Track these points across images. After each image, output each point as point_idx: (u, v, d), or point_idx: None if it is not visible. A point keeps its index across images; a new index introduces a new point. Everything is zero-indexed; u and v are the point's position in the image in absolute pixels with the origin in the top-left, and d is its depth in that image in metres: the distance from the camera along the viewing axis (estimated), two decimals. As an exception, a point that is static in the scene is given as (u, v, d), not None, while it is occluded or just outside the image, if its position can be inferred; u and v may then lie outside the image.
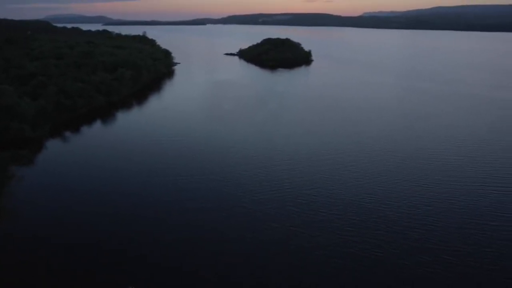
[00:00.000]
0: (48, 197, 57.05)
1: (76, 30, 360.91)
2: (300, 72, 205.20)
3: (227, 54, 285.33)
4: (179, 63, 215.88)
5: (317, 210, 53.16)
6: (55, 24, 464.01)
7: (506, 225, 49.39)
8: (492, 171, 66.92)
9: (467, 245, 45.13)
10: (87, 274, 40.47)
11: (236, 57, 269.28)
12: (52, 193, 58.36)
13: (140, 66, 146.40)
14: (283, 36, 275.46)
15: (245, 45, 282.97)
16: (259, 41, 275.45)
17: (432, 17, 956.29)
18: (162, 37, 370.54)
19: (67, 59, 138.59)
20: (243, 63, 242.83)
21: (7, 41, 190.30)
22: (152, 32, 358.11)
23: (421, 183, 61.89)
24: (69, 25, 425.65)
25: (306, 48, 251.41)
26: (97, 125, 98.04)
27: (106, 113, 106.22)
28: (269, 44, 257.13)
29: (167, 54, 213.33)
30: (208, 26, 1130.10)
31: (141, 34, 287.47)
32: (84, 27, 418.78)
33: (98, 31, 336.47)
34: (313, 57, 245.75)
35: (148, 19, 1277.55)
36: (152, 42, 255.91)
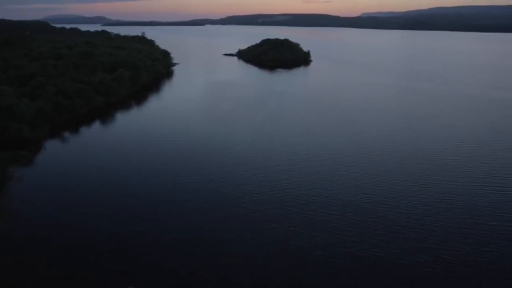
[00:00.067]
0: (47, 198, 56.99)
1: (75, 30, 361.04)
2: (299, 73, 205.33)
3: (226, 54, 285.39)
4: (178, 64, 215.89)
5: (317, 210, 53.21)
6: (54, 25, 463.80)
7: (505, 225, 49.49)
8: (491, 171, 67.04)
9: (466, 245, 45.22)
10: (86, 275, 40.45)
11: (235, 58, 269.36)
12: (51, 194, 58.31)
13: (139, 66, 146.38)
14: (282, 37, 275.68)
15: (244, 46, 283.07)
16: (258, 41, 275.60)
17: (431, 17, 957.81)
18: (161, 38, 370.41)
19: (66, 59, 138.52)
20: (242, 63, 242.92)
21: (6, 41, 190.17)
22: (151, 33, 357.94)
23: (420, 183, 61.99)
24: (68, 26, 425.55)
25: (305, 49, 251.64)
26: (96, 125, 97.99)
27: (105, 114, 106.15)
28: (268, 44, 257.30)
29: (166, 54, 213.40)
30: (207, 26, 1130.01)
31: (140, 34, 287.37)
32: (83, 27, 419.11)
33: (97, 32, 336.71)
34: (312, 57, 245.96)
35: (147, 19, 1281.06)
36: (151, 43, 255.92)
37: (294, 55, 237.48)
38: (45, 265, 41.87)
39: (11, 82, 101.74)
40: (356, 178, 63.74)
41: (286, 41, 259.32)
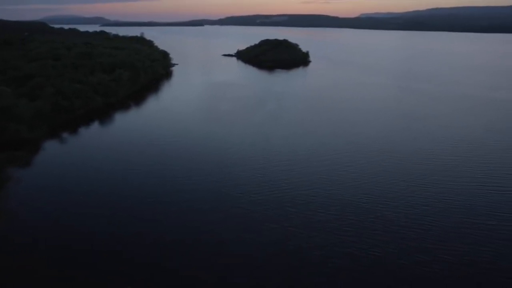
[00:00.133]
0: (45, 198, 56.89)
1: (74, 31, 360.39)
2: (298, 73, 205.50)
3: (224, 55, 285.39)
4: (177, 64, 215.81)
5: (315, 210, 53.25)
6: (52, 25, 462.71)
7: (503, 224, 49.61)
8: (489, 171, 67.21)
9: (464, 245, 45.31)
10: (84, 275, 40.38)
11: (234, 58, 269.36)
12: (49, 195, 58.21)
13: (137, 67, 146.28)
14: (280, 37, 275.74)
15: (242, 46, 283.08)
16: (256, 42, 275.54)
17: (429, 18, 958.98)
18: (160, 38, 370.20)
19: (64, 60, 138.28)
20: (240, 64, 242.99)
21: (4, 42, 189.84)
22: (150, 33, 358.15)
23: (418, 183, 62.10)
24: (66, 26, 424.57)
25: (304, 49, 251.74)
26: (95, 126, 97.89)
27: (103, 114, 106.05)
28: (267, 45, 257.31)
29: (165, 55, 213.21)
30: (206, 27, 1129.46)
31: (139, 35, 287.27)
32: (82, 28, 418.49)
33: (95, 32, 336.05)
34: (311, 58, 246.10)
35: (146, 20, 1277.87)
36: (150, 43, 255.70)
37: (293, 56, 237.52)
38: (43, 266, 41.79)
39: (9, 83, 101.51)
40: (355, 178, 63.82)
41: (285, 42, 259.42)
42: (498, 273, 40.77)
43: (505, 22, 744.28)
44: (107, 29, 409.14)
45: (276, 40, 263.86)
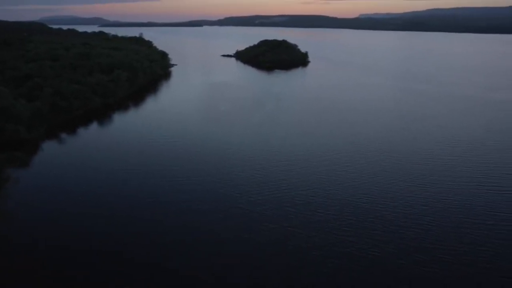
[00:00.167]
0: (44, 199, 56.77)
1: (72, 31, 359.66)
2: (296, 74, 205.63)
3: (223, 55, 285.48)
4: (175, 65, 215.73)
5: (314, 210, 53.23)
6: (51, 26, 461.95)
7: (501, 224, 49.67)
8: (487, 171, 67.30)
9: (463, 244, 45.35)
10: (83, 276, 40.29)
11: (233, 59, 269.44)
12: (47, 195, 58.09)
13: (136, 68, 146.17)
14: (279, 38, 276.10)
15: (241, 47, 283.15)
16: (255, 42, 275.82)
17: (428, 19, 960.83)
18: (159, 39, 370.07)
19: (63, 60, 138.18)
20: (239, 64, 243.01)
21: (3, 42, 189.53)
22: (148, 34, 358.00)
23: (417, 183, 62.14)
24: (65, 27, 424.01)
25: (303, 50, 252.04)
26: (93, 126, 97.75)
27: (102, 115, 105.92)
28: (266, 45, 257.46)
29: (163, 55, 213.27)
30: (205, 27, 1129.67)
31: (137, 35, 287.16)
32: (80, 28, 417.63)
33: (94, 33, 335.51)
34: (310, 58, 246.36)
35: (145, 20, 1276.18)
36: (148, 44, 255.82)
37: (291, 56, 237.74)
38: (42, 266, 41.69)
39: (7, 83, 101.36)
40: (354, 179, 63.82)
41: (284, 42, 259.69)
42: (497, 273, 40.80)
43: (503, 22, 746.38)
44: (106, 29, 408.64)
45: (275, 41, 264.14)
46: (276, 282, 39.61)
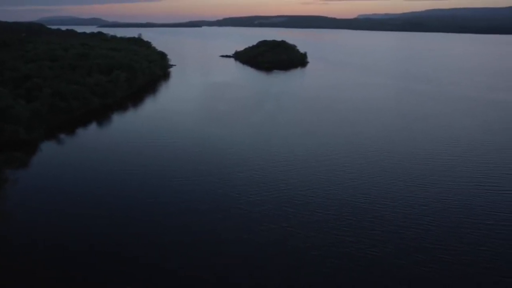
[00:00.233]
0: (43, 200, 56.64)
1: (71, 32, 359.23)
2: (296, 74, 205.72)
3: (222, 56, 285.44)
4: (175, 65, 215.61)
5: (314, 210, 53.18)
6: (49, 26, 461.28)
7: (501, 224, 49.66)
8: (487, 171, 67.34)
9: (463, 244, 45.33)
10: (82, 277, 40.18)
11: (232, 59, 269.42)
12: (47, 196, 57.97)
13: (135, 68, 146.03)
14: (278, 38, 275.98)
15: (240, 47, 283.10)
16: (254, 43, 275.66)
17: (426, 19, 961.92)
18: (158, 39, 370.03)
19: (61, 61, 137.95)
20: (239, 65, 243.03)
21: (2, 43, 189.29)
22: (147, 34, 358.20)
23: (417, 183, 62.13)
24: (64, 27, 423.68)
25: (302, 50, 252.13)
26: (92, 127, 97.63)
27: (101, 115, 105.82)
28: (265, 46, 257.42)
29: (162, 56, 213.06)
30: (204, 28, 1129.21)
31: (136, 36, 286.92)
32: (79, 29, 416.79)
33: (93, 33, 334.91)
34: (309, 59, 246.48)
35: (144, 21, 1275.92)
36: (147, 44, 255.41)
37: (290, 57, 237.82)
38: (41, 267, 41.56)
39: (6, 84, 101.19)
40: (353, 179, 63.80)
41: (282, 43, 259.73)
42: (497, 273, 40.78)
43: (502, 23, 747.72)
44: (105, 30, 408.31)
45: (274, 41, 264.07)
46: (276, 282, 39.53)
